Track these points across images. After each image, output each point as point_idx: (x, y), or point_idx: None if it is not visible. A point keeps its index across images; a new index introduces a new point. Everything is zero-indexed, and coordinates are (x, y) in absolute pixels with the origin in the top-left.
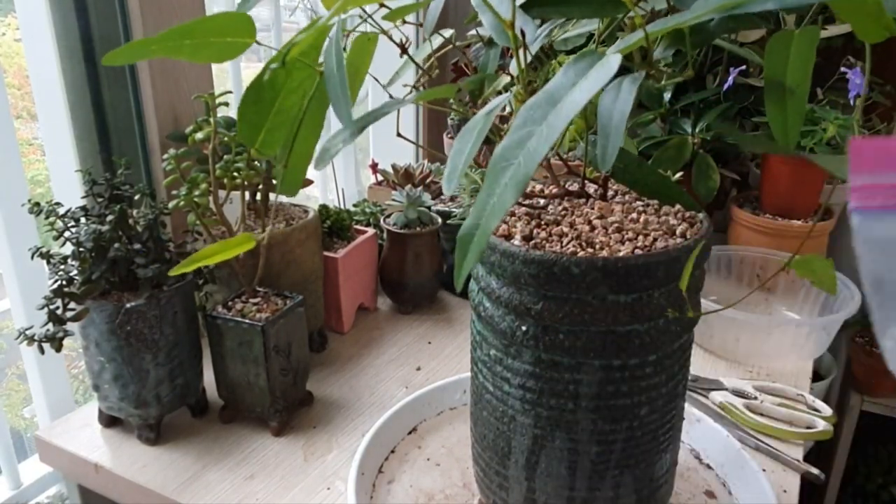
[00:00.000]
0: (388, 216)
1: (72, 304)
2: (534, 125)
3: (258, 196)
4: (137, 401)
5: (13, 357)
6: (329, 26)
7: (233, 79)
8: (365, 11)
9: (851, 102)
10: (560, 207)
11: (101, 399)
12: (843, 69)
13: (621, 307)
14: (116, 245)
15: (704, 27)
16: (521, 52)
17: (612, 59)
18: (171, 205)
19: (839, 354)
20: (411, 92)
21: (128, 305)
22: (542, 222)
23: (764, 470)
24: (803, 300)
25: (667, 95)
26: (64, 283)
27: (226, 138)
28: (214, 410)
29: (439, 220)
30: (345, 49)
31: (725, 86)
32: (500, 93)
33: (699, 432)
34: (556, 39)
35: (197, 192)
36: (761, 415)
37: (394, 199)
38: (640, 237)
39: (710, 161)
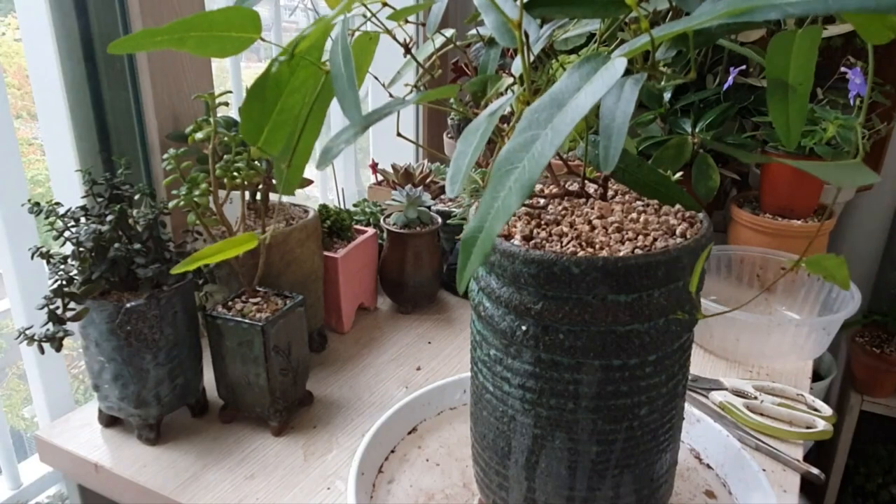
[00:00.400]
0: (388, 216)
1: (72, 304)
2: (538, 128)
3: (258, 196)
4: (137, 400)
5: (13, 357)
6: (332, 24)
7: (233, 78)
8: (369, 10)
9: (851, 102)
10: (560, 207)
11: (101, 399)
12: (843, 69)
13: (621, 307)
14: (116, 245)
15: (707, 28)
16: (524, 52)
17: (618, 63)
18: (171, 204)
19: (839, 354)
20: (412, 91)
21: (128, 305)
22: (542, 222)
23: (764, 470)
24: (803, 300)
25: (667, 95)
26: (64, 282)
27: (226, 138)
28: (214, 410)
29: (439, 219)
30: None
31: (725, 86)
32: (502, 94)
33: (699, 432)
34: (556, 40)
35: (197, 192)
36: (761, 415)
37: (394, 199)
38: (640, 237)
39: (710, 161)
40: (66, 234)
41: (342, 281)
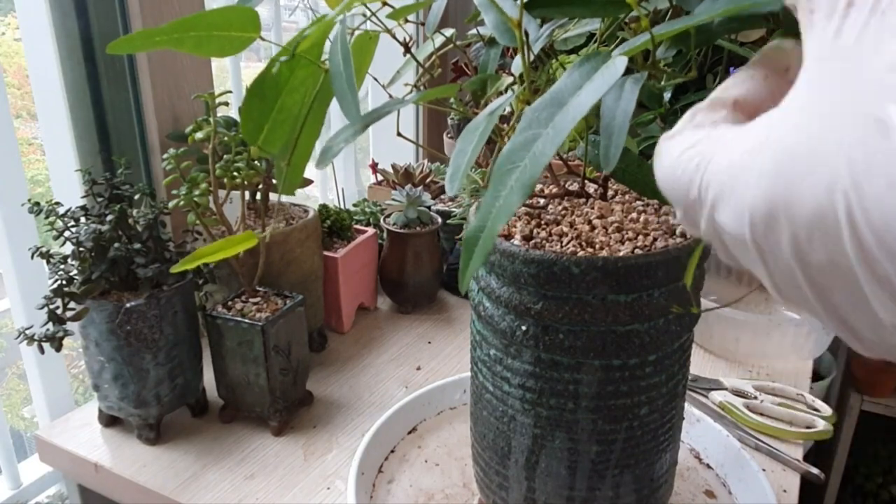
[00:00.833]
0: (388, 216)
1: (72, 304)
2: (539, 127)
3: (258, 196)
4: (137, 400)
5: (13, 357)
6: (332, 23)
7: (233, 78)
8: (369, 9)
9: None
10: (560, 207)
11: (100, 399)
12: None
13: (621, 307)
14: (116, 245)
15: (707, 27)
16: (524, 51)
17: (618, 62)
18: (171, 204)
19: (839, 354)
20: (412, 91)
21: (128, 305)
22: (542, 222)
23: (764, 470)
24: None
25: (667, 95)
26: (64, 282)
27: (226, 138)
28: (214, 410)
29: (439, 219)
30: None
31: None
32: (502, 93)
33: (699, 432)
34: (556, 39)
35: (197, 192)
36: (761, 414)
37: (394, 199)
38: (640, 237)
39: None
40: (66, 233)
41: (342, 281)
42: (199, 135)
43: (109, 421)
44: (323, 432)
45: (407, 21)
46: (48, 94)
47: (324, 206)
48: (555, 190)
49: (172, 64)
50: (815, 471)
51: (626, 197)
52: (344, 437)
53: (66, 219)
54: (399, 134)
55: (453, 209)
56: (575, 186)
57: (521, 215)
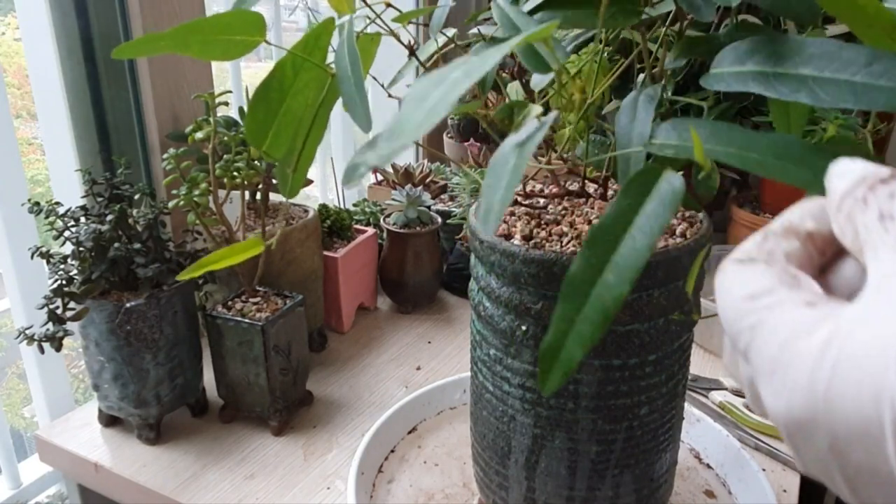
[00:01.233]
0: (388, 216)
1: (72, 304)
2: (607, 254)
3: (258, 196)
4: (137, 400)
5: (13, 356)
6: (332, 25)
7: (233, 79)
8: (374, 11)
9: None
10: (560, 207)
11: (100, 398)
12: None
13: (621, 307)
14: (116, 245)
15: (715, 38)
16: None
17: (672, 179)
18: (171, 204)
19: None
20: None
21: (128, 305)
22: (542, 222)
23: (764, 469)
24: None
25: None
26: (64, 282)
27: (226, 138)
28: (214, 410)
29: (439, 219)
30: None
31: None
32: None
33: (699, 432)
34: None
35: (197, 192)
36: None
37: (394, 199)
38: None
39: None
40: (66, 233)
41: (342, 281)
42: (199, 135)
43: (109, 421)
44: (323, 432)
45: (409, 22)
46: (48, 94)
47: (324, 206)
48: (555, 190)
49: (172, 64)
50: None
51: None
52: (344, 437)
53: (66, 219)
54: None
55: (453, 209)
56: (575, 186)
57: (521, 215)
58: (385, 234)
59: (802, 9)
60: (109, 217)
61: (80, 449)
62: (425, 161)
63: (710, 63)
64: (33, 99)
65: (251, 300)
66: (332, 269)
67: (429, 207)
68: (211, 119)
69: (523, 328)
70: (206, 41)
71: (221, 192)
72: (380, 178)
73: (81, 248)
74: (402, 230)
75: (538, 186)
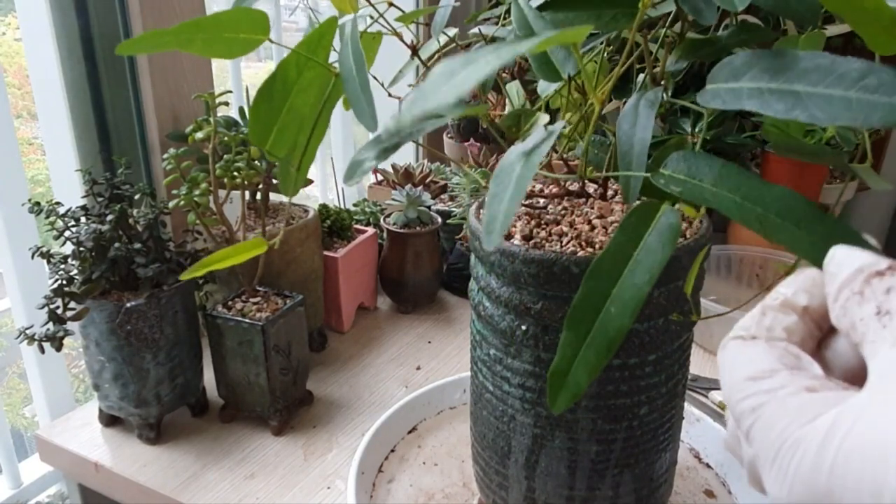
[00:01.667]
0: (388, 216)
1: (72, 304)
2: (608, 287)
3: (258, 196)
4: (138, 400)
5: (14, 356)
6: (335, 24)
7: (233, 78)
8: (377, 10)
9: None
10: (560, 207)
11: (101, 398)
12: None
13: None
14: (116, 244)
15: (717, 40)
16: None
17: (669, 215)
18: (171, 204)
19: None
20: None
21: (128, 305)
22: (542, 222)
23: None
24: None
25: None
26: (64, 282)
27: (226, 138)
28: (214, 410)
29: (439, 219)
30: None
31: None
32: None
33: (699, 432)
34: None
35: (197, 192)
36: None
37: (394, 199)
38: None
39: None
40: (67, 233)
41: (342, 280)
42: (199, 135)
43: (110, 420)
44: (323, 432)
45: (412, 21)
46: (48, 93)
47: (324, 206)
48: (555, 190)
49: (172, 64)
50: None
51: None
52: (344, 436)
53: (66, 219)
54: None
55: (453, 209)
56: (575, 186)
57: (521, 215)
58: (385, 234)
59: (802, 8)
60: (110, 217)
61: (81, 448)
62: (425, 161)
63: (709, 65)
64: (33, 99)
65: (251, 300)
66: (332, 269)
67: (429, 207)
68: (211, 119)
69: (523, 328)
70: (210, 39)
71: (221, 192)
72: (380, 178)
73: (82, 248)
74: (402, 230)
75: (538, 186)
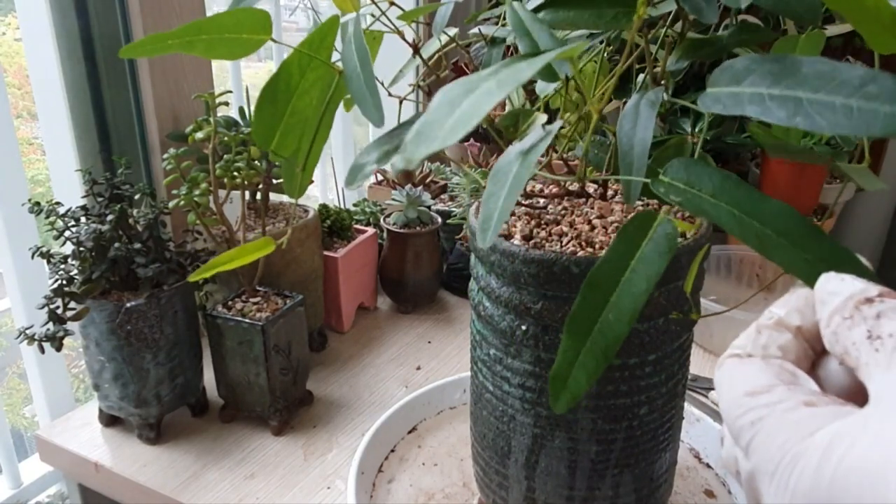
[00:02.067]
0: (388, 216)
1: (72, 304)
2: (606, 295)
3: (258, 196)
4: (138, 400)
5: (13, 356)
6: (337, 23)
7: (233, 79)
8: (379, 8)
9: None
10: (560, 207)
11: (101, 398)
12: None
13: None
14: (116, 244)
15: (718, 40)
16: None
17: (666, 227)
18: (171, 204)
19: None
20: (413, 90)
21: (128, 305)
22: (542, 222)
23: None
24: None
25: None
26: (64, 282)
27: (226, 138)
28: (214, 410)
29: (439, 219)
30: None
31: None
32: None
33: (699, 432)
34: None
35: (197, 192)
36: None
37: (394, 199)
38: None
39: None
40: (67, 233)
41: (342, 280)
42: (199, 135)
43: (110, 420)
44: (323, 432)
45: (413, 21)
46: (48, 94)
47: (324, 206)
48: (555, 190)
49: (172, 64)
50: None
51: None
52: (344, 436)
53: (66, 219)
54: None
55: (453, 209)
56: (575, 186)
57: (521, 215)
58: (385, 234)
59: (802, 8)
60: (110, 217)
61: (81, 448)
62: (425, 161)
63: (709, 65)
64: (33, 99)
65: (251, 300)
66: (333, 268)
67: (429, 207)
68: (211, 119)
69: (523, 328)
70: (213, 40)
71: (221, 192)
72: (380, 178)
73: (82, 248)
74: (402, 230)
75: (538, 186)
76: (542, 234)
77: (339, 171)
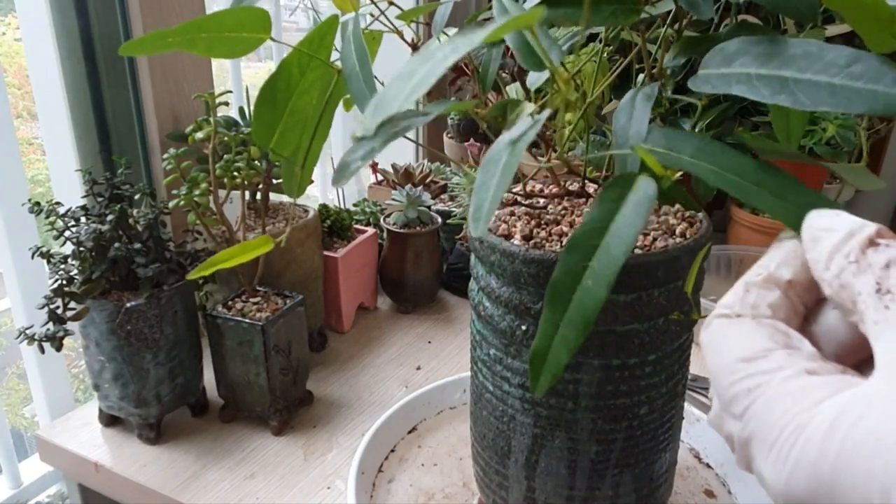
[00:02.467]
0: (388, 216)
1: (72, 304)
2: (586, 260)
3: (258, 196)
4: (138, 400)
5: (14, 356)
6: (337, 23)
7: (233, 78)
8: (378, 8)
9: None
10: (560, 207)
11: (101, 398)
12: None
13: (621, 306)
14: (116, 244)
15: (715, 37)
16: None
17: (644, 184)
18: (171, 204)
19: None
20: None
21: (128, 305)
22: (542, 222)
23: None
24: None
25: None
26: (64, 282)
27: (226, 138)
28: (214, 410)
29: (439, 219)
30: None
31: None
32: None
33: (699, 432)
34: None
35: (197, 192)
36: None
37: (394, 199)
38: (640, 236)
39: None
40: (67, 233)
41: (342, 280)
42: (199, 135)
43: (110, 420)
44: (323, 432)
45: (412, 21)
46: (48, 94)
47: (324, 206)
48: (555, 190)
49: (172, 64)
50: None
51: None
52: (344, 436)
53: (66, 219)
54: None
55: (453, 209)
56: (575, 186)
57: (521, 215)
58: (385, 234)
59: (802, 7)
60: (110, 217)
61: (81, 449)
62: (425, 161)
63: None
64: (33, 99)
65: (251, 300)
66: (332, 268)
67: (429, 207)
68: (211, 119)
69: (523, 328)
70: (213, 39)
71: (221, 192)
72: (380, 178)
73: (82, 248)
74: (402, 230)
75: (538, 186)
76: (542, 234)
77: None
